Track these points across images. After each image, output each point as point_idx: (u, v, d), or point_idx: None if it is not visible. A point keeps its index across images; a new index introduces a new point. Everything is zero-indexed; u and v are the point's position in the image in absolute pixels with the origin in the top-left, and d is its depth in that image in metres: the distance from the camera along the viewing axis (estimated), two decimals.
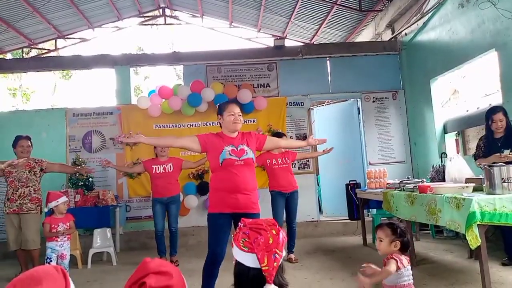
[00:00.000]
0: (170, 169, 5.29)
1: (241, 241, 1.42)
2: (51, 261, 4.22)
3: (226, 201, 3.14)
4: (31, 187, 4.79)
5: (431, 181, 4.91)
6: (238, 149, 3.20)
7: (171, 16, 10.86)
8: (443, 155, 6.12)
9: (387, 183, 5.21)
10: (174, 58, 7.77)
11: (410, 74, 7.29)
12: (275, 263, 1.36)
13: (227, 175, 3.14)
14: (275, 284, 1.37)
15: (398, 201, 4.53)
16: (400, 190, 4.67)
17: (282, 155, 5.24)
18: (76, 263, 5.30)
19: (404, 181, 4.83)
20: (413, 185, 4.49)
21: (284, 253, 1.45)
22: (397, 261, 2.37)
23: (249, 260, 1.39)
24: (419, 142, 7.07)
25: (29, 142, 4.96)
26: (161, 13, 10.60)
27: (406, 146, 7.38)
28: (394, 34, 7.53)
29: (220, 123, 3.37)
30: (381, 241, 2.50)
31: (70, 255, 4.50)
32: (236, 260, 1.45)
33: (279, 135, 5.35)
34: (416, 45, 7.00)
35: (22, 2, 7.51)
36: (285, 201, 5.18)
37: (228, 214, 3.16)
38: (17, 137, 4.95)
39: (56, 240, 4.27)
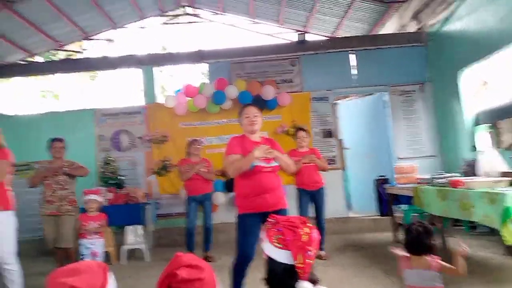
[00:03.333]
0: (204, 170, 5.47)
1: (274, 238, 1.45)
2: (84, 257, 4.35)
3: (256, 202, 3.20)
4: (68, 189, 4.91)
5: (463, 176, 4.80)
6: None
7: (193, 15, 10.92)
8: (474, 148, 5.97)
9: (418, 178, 5.13)
10: (197, 57, 7.82)
11: (438, 66, 7.13)
12: (309, 261, 1.39)
13: (254, 179, 3.20)
14: (308, 281, 1.40)
15: (429, 197, 4.47)
16: (431, 185, 4.60)
17: (310, 152, 5.23)
18: (110, 259, 5.45)
19: (435, 176, 4.75)
20: (445, 179, 4.41)
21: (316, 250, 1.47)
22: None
23: (282, 256, 1.42)
24: (449, 136, 6.92)
25: (63, 143, 5.09)
26: (183, 12, 10.68)
27: (436, 139, 7.23)
28: (419, 25, 7.37)
29: (241, 126, 3.48)
30: None
31: (105, 252, 4.63)
32: (268, 256, 1.47)
33: (300, 130, 5.35)
34: (443, 35, 6.83)
35: (49, 6, 7.69)
36: (311, 199, 5.17)
37: (257, 214, 3.19)
38: (52, 139, 5.10)
39: (87, 238, 4.39)
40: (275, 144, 3.43)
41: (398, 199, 5.74)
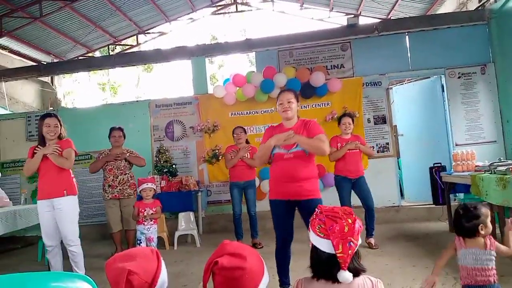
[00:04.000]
0: (247, 156, 5.48)
1: (317, 227, 1.47)
2: (141, 242, 4.56)
3: (280, 189, 3.22)
4: (128, 174, 5.30)
5: None
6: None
7: (242, 3, 10.96)
8: None
9: (476, 166, 4.84)
10: (246, 45, 7.85)
11: (502, 45, 6.61)
12: (350, 251, 1.41)
13: (279, 166, 3.21)
14: (350, 270, 1.42)
15: (488, 185, 4.19)
16: (491, 173, 4.31)
17: (354, 139, 5.09)
18: (164, 244, 5.69)
19: (495, 163, 4.45)
20: (506, 167, 4.12)
21: (359, 241, 1.46)
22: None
23: (324, 245, 1.44)
24: None
25: (121, 132, 5.39)
26: (233, 1, 10.74)
27: (497, 124, 6.76)
28: (481, 2, 6.86)
29: None
30: None
31: (158, 237, 4.84)
32: (312, 244, 1.50)
33: (348, 116, 5.20)
34: (508, 12, 6.31)
35: (106, 2, 8.07)
36: (352, 187, 5.03)
37: (284, 201, 3.20)
38: (111, 128, 5.42)
39: (144, 224, 4.60)
40: (310, 127, 3.25)
41: (455, 187, 5.45)
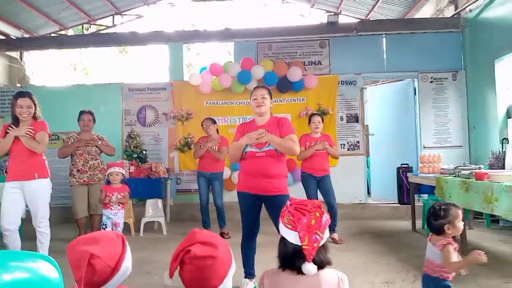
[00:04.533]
0: (215, 148, 5.46)
1: (286, 219, 1.48)
2: (106, 227, 4.48)
3: (249, 183, 3.25)
4: (99, 159, 5.20)
5: (489, 168, 4.64)
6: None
7: None
8: (504, 141, 5.74)
9: (441, 168, 5.01)
10: (225, 35, 7.78)
11: (473, 54, 6.83)
12: (315, 244, 1.43)
13: (250, 163, 3.24)
14: (315, 263, 1.44)
15: (452, 188, 4.35)
16: (455, 176, 4.47)
17: (323, 138, 5.19)
18: (129, 230, 5.61)
19: (460, 167, 4.62)
20: (469, 171, 4.29)
21: (327, 234, 1.49)
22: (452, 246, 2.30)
23: (291, 237, 1.46)
24: (479, 127, 6.67)
25: (91, 116, 5.24)
26: None
27: (464, 130, 6.99)
28: (457, 10, 7.05)
29: None
30: None
31: (124, 223, 4.76)
32: (281, 236, 1.51)
33: (318, 115, 5.29)
34: (481, 22, 6.51)
35: None
36: (317, 184, 5.14)
37: (250, 194, 3.25)
38: (81, 112, 5.26)
39: (110, 208, 4.51)
40: (283, 126, 3.27)
41: (420, 188, 5.62)
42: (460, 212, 2.39)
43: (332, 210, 5.05)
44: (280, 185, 3.21)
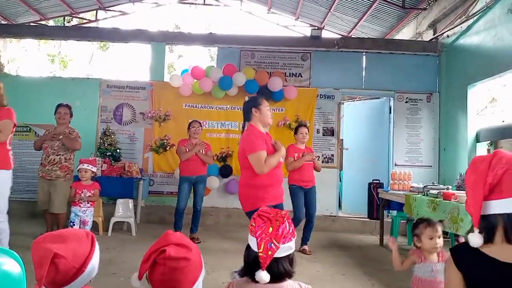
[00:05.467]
0: (203, 152, 5.48)
1: (250, 225, 1.49)
2: (74, 225, 4.39)
3: (273, 195, 3.29)
4: (62, 155, 4.96)
5: (456, 189, 4.80)
6: None
7: None
8: None
9: (411, 186, 5.14)
10: (209, 40, 7.80)
11: (448, 78, 7.08)
12: (270, 252, 1.41)
13: (276, 172, 3.31)
14: (273, 273, 1.42)
15: (420, 206, 4.47)
16: (424, 195, 4.60)
17: (307, 150, 5.25)
18: (98, 229, 5.50)
19: (428, 186, 4.76)
20: (438, 191, 4.42)
21: (290, 246, 1.47)
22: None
23: (252, 243, 1.46)
24: (449, 148, 6.90)
25: (68, 110, 5.12)
26: None
27: (435, 150, 7.22)
28: (435, 35, 7.30)
29: (253, 115, 3.36)
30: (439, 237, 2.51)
31: (93, 221, 4.67)
32: (248, 243, 1.51)
33: (305, 126, 5.36)
34: (458, 48, 6.77)
35: None
36: (304, 196, 5.16)
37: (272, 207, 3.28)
38: (58, 105, 5.14)
39: (80, 206, 4.42)
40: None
41: (390, 204, 5.75)
42: (428, 229, 2.47)
43: (310, 223, 5.12)
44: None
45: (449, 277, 1.37)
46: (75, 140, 5.03)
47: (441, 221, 2.65)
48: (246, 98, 3.66)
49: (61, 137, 4.94)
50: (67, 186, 4.84)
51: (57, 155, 4.95)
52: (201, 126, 5.68)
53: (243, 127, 3.45)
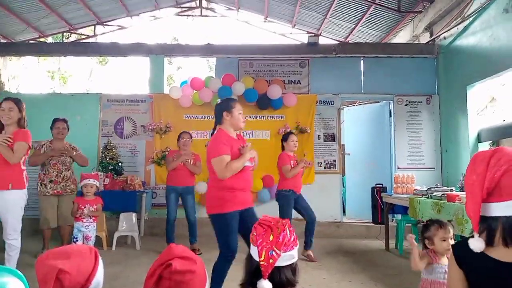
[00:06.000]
0: (190, 162, 5.48)
1: (252, 234, 1.47)
2: (77, 240, 4.37)
3: (241, 199, 3.21)
4: (71, 170, 5.13)
5: (460, 191, 4.78)
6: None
7: (207, 8, 10.93)
8: None
9: (415, 189, 5.13)
10: (207, 50, 7.83)
11: (446, 79, 7.09)
12: (271, 260, 1.39)
13: (244, 178, 3.23)
14: (274, 282, 1.40)
15: (425, 208, 4.45)
16: (428, 197, 4.59)
17: (294, 157, 5.32)
18: (101, 244, 5.48)
19: (432, 189, 4.74)
20: (442, 193, 4.40)
21: (288, 253, 1.44)
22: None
23: (254, 252, 1.44)
24: (451, 150, 6.88)
25: (66, 124, 5.15)
26: (198, 5, 10.69)
27: (437, 152, 7.20)
28: (432, 37, 7.33)
29: (224, 119, 3.33)
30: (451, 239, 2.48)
31: (96, 236, 4.65)
32: (249, 252, 1.50)
33: (294, 134, 5.44)
34: (455, 49, 6.79)
35: None
36: (294, 202, 5.17)
37: (239, 212, 3.22)
38: (54, 119, 5.17)
39: (82, 221, 4.41)
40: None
41: (394, 208, 5.72)
42: (441, 231, 2.45)
43: (313, 225, 5.12)
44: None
45: (451, 274, 1.37)
46: (84, 157, 5.20)
47: (450, 221, 2.62)
48: (218, 101, 3.65)
49: (74, 153, 5.03)
50: (72, 199, 4.90)
51: (68, 170, 5.09)
52: (191, 138, 5.65)
53: (213, 130, 3.43)
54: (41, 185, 5.01)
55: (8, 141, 3.66)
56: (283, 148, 5.30)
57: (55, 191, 4.96)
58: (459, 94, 6.56)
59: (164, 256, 1.33)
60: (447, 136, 7.05)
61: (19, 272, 0.81)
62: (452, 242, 2.44)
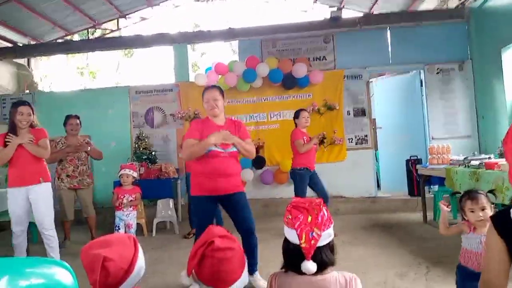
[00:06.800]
0: None
1: (286, 218, 1.49)
2: (119, 229, 4.53)
3: (208, 185, 3.22)
4: (87, 164, 5.36)
5: (499, 158, 4.62)
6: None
7: None
8: None
9: (451, 159, 4.99)
10: (229, 34, 7.80)
11: (479, 43, 6.78)
12: (313, 241, 1.41)
13: (211, 164, 3.20)
14: (315, 262, 1.42)
15: (462, 178, 4.34)
16: (465, 167, 4.46)
17: (308, 134, 5.30)
18: (142, 231, 5.67)
19: (469, 157, 4.60)
20: (479, 161, 4.27)
21: (330, 233, 1.47)
22: None
23: (291, 236, 1.45)
24: (488, 116, 6.62)
25: (78, 120, 5.33)
26: None
27: (473, 120, 6.95)
28: (461, 1, 7.00)
29: None
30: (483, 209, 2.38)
31: (137, 223, 4.82)
32: (285, 237, 1.52)
33: (303, 110, 5.36)
34: (486, 11, 6.46)
35: None
36: (310, 178, 5.16)
37: (209, 197, 3.24)
38: (67, 116, 5.34)
39: (122, 210, 4.56)
40: (240, 127, 3.37)
41: (430, 180, 5.60)
42: (468, 202, 2.39)
43: (327, 202, 5.08)
44: (238, 183, 3.34)
45: (489, 244, 1.34)
46: (99, 151, 5.39)
47: (491, 191, 2.52)
48: None
49: (89, 148, 5.23)
50: (92, 191, 5.41)
51: (84, 165, 5.30)
52: None
53: None
54: (58, 179, 5.23)
55: (33, 139, 3.90)
56: (296, 125, 5.29)
57: (72, 185, 5.20)
58: (493, 58, 6.27)
59: (205, 236, 1.39)
60: (483, 102, 6.78)
61: (65, 263, 0.85)
62: (485, 213, 2.35)
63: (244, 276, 1.39)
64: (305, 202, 1.50)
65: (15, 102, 4.10)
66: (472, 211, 2.38)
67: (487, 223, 2.33)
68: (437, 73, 7.08)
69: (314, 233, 1.41)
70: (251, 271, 3.22)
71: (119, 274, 1.34)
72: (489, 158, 4.43)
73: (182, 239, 5.36)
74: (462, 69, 7.05)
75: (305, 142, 5.10)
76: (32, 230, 4.47)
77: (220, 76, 7.09)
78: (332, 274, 1.46)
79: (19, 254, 4.00)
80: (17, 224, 3.95)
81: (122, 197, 4.59)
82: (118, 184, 4.84)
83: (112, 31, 10.55)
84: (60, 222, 5.26)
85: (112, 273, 1.31)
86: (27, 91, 8.27)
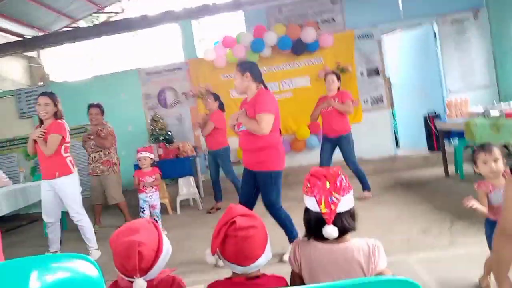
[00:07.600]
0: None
1: (305, 187, 1.51)
2: (144, 210, 4.64)
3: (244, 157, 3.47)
4: (101, 152, 5.28)
5: None
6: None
7: None
8: None
9: (470, 112, 4.88)
10: (234, 5, 7.59)
11: None
12: (333, 206, 1.42)
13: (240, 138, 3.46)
14: (336, 227, 1.43)
15: (482, 130, 4.25)
16: (485, 118, 4.36)
17: (338, 95, 4.98)
18: (166, 210, 5.80)
19: (489, 108, 4.49)
20: (499, 111, 4.16)
21: (348, 198, 1.47)
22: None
23: (311, 203, 1.48)
24: (506, 63, 6.40)
25: (99, 109, 5.32)
26: None
27: (490, 69, 6.74)
28: None
29: None
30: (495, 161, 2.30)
31: (161, 203, 4.92)
32: (305, 206, 1.54)
33: (333, 73, 5.12)
34: None
35: None
36: (334, 146, 5.03)
37: (245, 169, 3.45)
38: (89, 105, 5.37)
39: (145, 192, 4.65)
40: (255, 104, 3.23)
41: (450, 134, 5.51)
42: (481, 154, 2.33)
43: (355, 172, 4.99)
44: (258, 159, 3.26)
45: (509, 195, 1.31)
46: (104, 139, 5.25)
47: (505, 146, 2.44)
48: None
49: (92, 137, 5.27)
50: (117, 178, 5.32)
51: (96, 152, 5.30)
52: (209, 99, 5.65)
53: None
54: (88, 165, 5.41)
55: (42, 134, 3.88)
56: None
57: (89, 172, 5.36)
58: (510, 2, 5.99)
59: (226, 216, 1.42)
60: (500, 50, 6.54)
61: (87, 256, 0.88)
62: (497, 165, 2.28)
63: (267, 251, 1.42)
64: (323, 170, 1.51)
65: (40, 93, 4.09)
66: (485, 163, 2.34)
67: (498, 175, 2.30)
68: (451, 24, 6.82)
69: (333, 197, 1.43)
70: (291, 241, 3.30)
71: (151, 257, 1.39)
72: (510, 106, 4.31)
73: (206, 214, 5.47)
74: (477, 17, 6.77)
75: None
76: (63, 218, 4.61)
77: (228, 49, 7.00)
78: (354, 242, 1.48)
79: (52, 243, 4.15)
80: (46, 215, 4.08)
81: (143, 179, 4.67)
82: (137, 167, 4.92)
83: (116, 14, 10.49)
84: (90, 207, 5.43)
85: (145, 256, 1.37)
86: (41, 83, 8.37)
